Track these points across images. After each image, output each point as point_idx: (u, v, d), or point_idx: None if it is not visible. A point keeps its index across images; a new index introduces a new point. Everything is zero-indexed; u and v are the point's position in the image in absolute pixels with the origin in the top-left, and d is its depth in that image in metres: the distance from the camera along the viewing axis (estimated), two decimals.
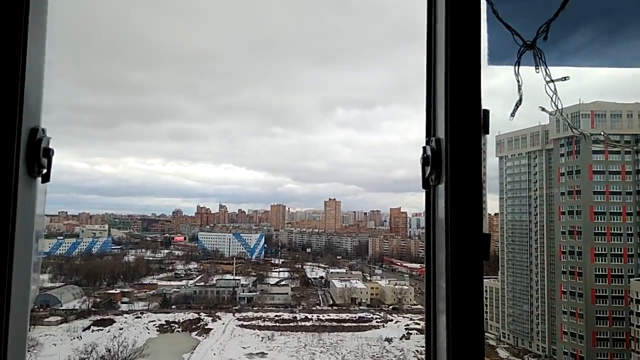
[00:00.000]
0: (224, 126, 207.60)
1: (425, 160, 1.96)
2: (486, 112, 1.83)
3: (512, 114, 2.28)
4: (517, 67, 2.12)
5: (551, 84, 2.21)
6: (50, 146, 1.90)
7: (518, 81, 2.14)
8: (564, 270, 73.36)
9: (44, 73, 1.94)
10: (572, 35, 2.38)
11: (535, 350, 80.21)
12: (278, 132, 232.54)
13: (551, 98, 2.26)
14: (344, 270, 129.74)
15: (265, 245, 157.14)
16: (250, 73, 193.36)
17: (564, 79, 2.24)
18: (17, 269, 1.72)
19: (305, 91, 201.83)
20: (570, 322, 70.18)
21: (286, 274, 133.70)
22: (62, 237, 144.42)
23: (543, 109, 2.56)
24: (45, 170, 1.88)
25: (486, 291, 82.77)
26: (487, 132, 1.83)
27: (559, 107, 2.33)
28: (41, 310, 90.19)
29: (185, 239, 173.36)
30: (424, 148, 1.98)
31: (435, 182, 1.91)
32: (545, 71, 2.17)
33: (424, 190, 2.05)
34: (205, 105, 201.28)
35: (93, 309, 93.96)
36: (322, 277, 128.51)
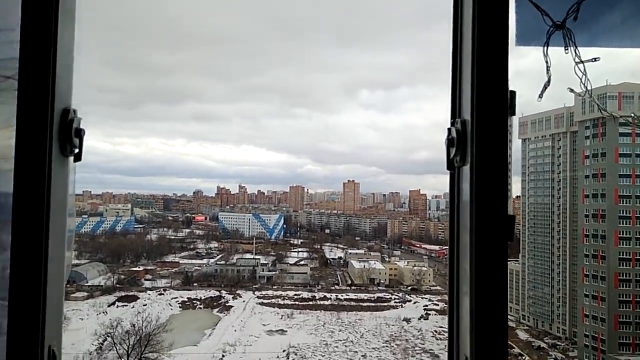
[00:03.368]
0: (246, 107, 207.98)
1: (450, 142, 1.95)
2: (513, 93, 1.80)
3: (540, 96, 2.27)
4: (545, 48, 2.09)
5: (580, 65, 2.17)
6: (80, 118, 1.97)
7: (547, 62, 2.11)
8: (587, 253, 72.34)
9: (74, 54, 1.99)
10: (603, 15, 2.33)
11: (555, 333, 79.87)
12: (300, 113, 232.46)
13: (580, 79, 2.23)
14: (362, 251, 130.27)
15: (285, 226, 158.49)
16: (274, 54, 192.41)
17: (594, 59, 2.21)
18: (52, 246, 1.78)
19: (329, 72, 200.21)
20: (592, 305, 69.48)
21: (305, 254, 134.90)
22: (86, 216, 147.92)
23: (572, 90, 2.53)
24: (77, 150, 1.94)
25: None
26: (514, 114, 1.82)
27: (589, 89, 2.31)
28: (68, 285, 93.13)
29: (205, 218, 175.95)
30: (449, 129, 1.97)
31: (460, 163, 1.91)
32: (575, 52, 2.13)
33: (449, 171, 2.04)
34: (228, 86, 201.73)
35: (117, 285, 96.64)
36: (340, 258, 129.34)
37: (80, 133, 1.93)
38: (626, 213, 69.61)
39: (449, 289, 2.05)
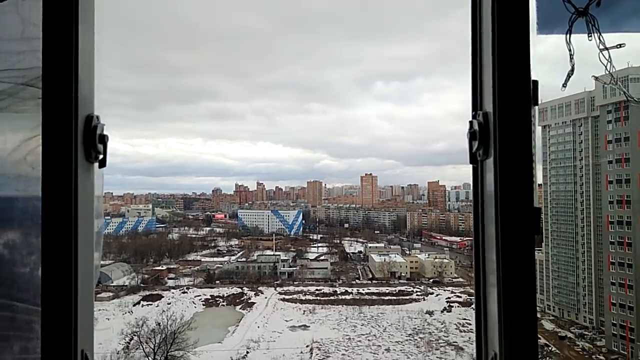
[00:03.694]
0: (262, 104, 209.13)
1: (472, 135, 1.91)
2: (535, 82, 1.77)
3: (564, 85, 2.18)
4: (568, 36, 2.02)
5: (605, 52, 2.11)
6: (103, 125, 1.99)
7: (570, 50, 2.05)
8: (612, 240, 70.85)
9: (94, 60, 2.01)
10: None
11: (582, 322, 78.56)
12: (315, 108, 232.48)
13: (605, 66, 2.14)
14: (382, 245, 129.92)
15: (304, 221, 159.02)
16: (287, 50, 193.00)
17: (619, 46, 2.14)
18: (81, 249, 1.81)
19: (343, 66, 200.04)
20: (620, 293, 68.08)
21: (325, 249, 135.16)
22: (109, 217, 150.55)
23: (597, 78, 2.44)
24: (101, 156, 1.96)
25: None
26: (537, 104, 1.79)
27: (615, 76, 2.21)
28: (94, 287, 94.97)
29: (225, 216, 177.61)
30: (471, 122, 1.93)
31: (483, 156, 1.87)
32: (599, 38, 2.06)
33: (472, 165, 1.99)
34: (243, 84, 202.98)
35: (142, 284, 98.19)
36: (360, 252, 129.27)
37: (104, 139, 1.95)
38: None
39: (475, 283, 1.99)
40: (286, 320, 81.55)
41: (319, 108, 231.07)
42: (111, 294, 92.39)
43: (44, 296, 1.73)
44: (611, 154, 73.22)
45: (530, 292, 1.71)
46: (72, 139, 1.80)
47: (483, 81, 1.91)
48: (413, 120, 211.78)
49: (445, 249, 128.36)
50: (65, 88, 1.80)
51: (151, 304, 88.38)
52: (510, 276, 1.71)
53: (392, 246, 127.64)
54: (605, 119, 74.28)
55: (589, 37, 2.05)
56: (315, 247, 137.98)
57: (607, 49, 2.10)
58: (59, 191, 1.77)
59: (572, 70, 2.12)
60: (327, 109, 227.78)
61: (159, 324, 68.33)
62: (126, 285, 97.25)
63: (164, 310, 79.00)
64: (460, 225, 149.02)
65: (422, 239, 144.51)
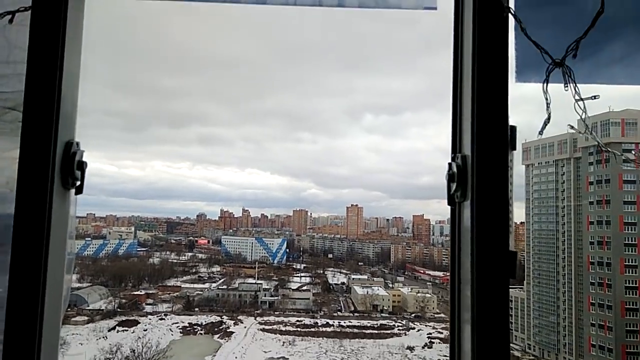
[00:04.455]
0: (251, 131, 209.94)
1: (450, 177, 1.96)
2: (513, 128, 1.83)
3: (540, 132, 2.29)
4: (545, 85, 2.10)
5: (580, 102, 2.18)
6: (82, 151, 2.01)
7: (546, 99, 2.11)
8: (593, 281, 71.49)
9: (79, 85, 2.03)
10: (602, 51, 2.35)
11: None
12: (304, 137, 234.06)
13: (581, 117, 2.26)
14: (365, 277, 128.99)
15: (287, 250, 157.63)
16: (278, 79, 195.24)
17: (594, 97, 2.22)
18: (50, 277, 1.79)
19: (333, 97, 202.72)
20: (599, 334, 68.26)
21: (308, 279, 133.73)
22: (89, 239, 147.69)
23: (572, 127, 2.57)
24: (78, 182, 1.96)
25: (511, 301, 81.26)
26: (514, 149, 1.83)
27: (589, 127, 2.33)
28: (69, 309, 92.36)
29: (208, 242, 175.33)
30: (450, 165, 1.99)
31: (460, 199, 1.92)
32: (575, 89, 2.15)
33: (449, 206, 2.05)
34: (233, 110, 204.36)
35: (118, 309, 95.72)
36: (343, 283, 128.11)
37: (82, 166, 1.95)
38: (632, 240, 69.03)
39: (450, 322, 2.03)
40: (265, 352, 79.86)
41: (308, 137, 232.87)
42: (86, 317, 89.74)
43: (8, 319, 1.70)
44: (592, 195, 74.70)
45: (504, 333, 1.71)
46: (50, 165, 1.79)
47: (462, 124, 1.96)
48: (400, 153, 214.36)
49: (428, 283, 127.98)
50: (46, 112, 1.78)
51: (127, 330, 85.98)
52: (484, 318, 1.71)
53: (375, 278, 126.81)
54: (587, 161, 76.11)
55: (565, 87, 2.13)
56: (298, 276, 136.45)
57: (582, 99, 2.18)
58: (32, 216, 1.75)
59: (549, 118, 2.18)
60: (316, 139, 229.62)
61: (133, 351, 66.47)
62: (102, 310, 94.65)
63: (139, 337, 76.92)
64: (444, 260, 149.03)
65: (406, 273, 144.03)
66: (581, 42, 2.03)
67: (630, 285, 67.52)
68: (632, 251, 68.65)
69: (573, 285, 79.72)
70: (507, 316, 1.73)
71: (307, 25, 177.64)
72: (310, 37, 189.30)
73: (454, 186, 1.93)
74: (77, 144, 1.95)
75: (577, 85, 2.12)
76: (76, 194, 1.98)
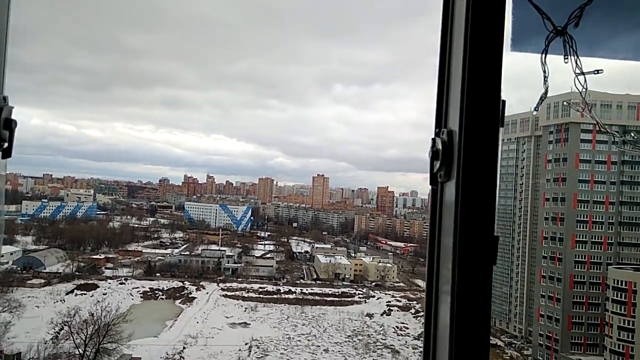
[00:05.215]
0: (219, 96, 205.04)
1: (434, 154, 1.77)
2: (503, 102, 1.68)
3: (536, 108, 2.14)
4: (543, 56, 1.93)
5: (580, 77, 2.02)
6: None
7: (544, 72, 1.94)
8: (545, 255, 74.80)
9: (7, 34, 1.75)
10: (605, 22, 2.20)
11: (511, 331, 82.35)
12: (273, 104, 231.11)
13: (580, 93, 2.06)
14: (329, 246, 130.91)
15: (252, 218, 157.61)
16: (250, 43, 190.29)
17: (597, 71, 2.04)
18: None
19: (304, 65, 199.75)
20: (548, 305, 71.95)
21: (272, 247, 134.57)
22: (46, 200, 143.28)
23: (568, 103, 2.41)
24: (6, 144, 1.69)
25: None
26: (502, 125, 1.69)
27: (589, 102, 2.18)
28: (24, 272, 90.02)
29: (171, 207, 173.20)
30: (434, 140, 1.80)
31: (444, 178, 1.75)
32: (576, 62, 1.97)
33: (431, 186, 1.87)
34: (201, 73, 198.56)
35: (77, 273, 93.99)
36: (307, 252, 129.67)
37: (10, 124, 1.68)
38: (584, 217, 72.25)
39: (426, 305, 1.88)
40: (227, 317, 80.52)
41: (277, 105, 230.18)
42: (43, 280, 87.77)
43: None
44: (550, 173, 77.32)
45: (485, 317, 1.63)
46: None
47: (450, 97, 1.81)
48: (369, 125, 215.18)
49: (389, 253, 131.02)
50: None
51: (85, 294, 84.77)
52: (465, 300, 1.62)
53: (338, 248, 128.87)
54: (547, 139, 78.38)
55: (565, 59, 1.96)
56: (262, 244, 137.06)
57: (583, 73, 2.01)
58: None
59: (546, 93, 2.04)
60: (285, 107, 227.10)
61: (92, 314, 65.63)
62: (60, 273, 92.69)
63: (98, 301, 75.95)
64: (406, 231, 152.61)
65: (368, 243, 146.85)
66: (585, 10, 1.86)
67: (580, 259, 71.06)
68: (583, 227, 71.96)
69: (527, 259, 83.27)
70: (489, 299, 1.65)
71: None
72: (283, 1, 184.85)
73: (437, 164, 1.75)
74: (5, 98, 1.71)
75: (579, 57, 1.95)
76: (3, 157, 1.72)
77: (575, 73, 2.00)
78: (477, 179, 1.64)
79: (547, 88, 1.99)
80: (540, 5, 1.90)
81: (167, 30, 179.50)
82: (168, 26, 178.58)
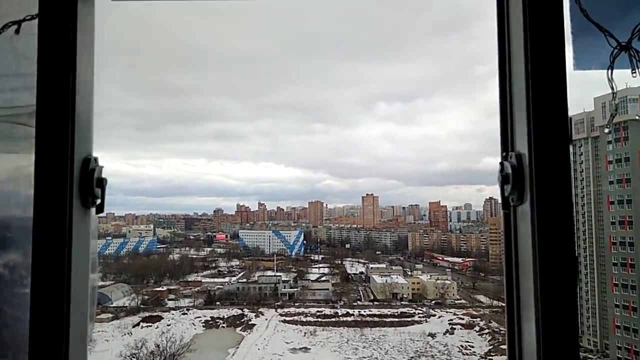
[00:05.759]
0: (264, 125, 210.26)
1: (504, 178, 1.76)
2: (570, 120, 1.67)
3: (608, 125, 2.16)
4: (610, 72, 1.92)
5: None
6: (98, 152, 1.86)
7: (612, 88, 1.93)
8: (615, 262, 70.46)
9: (94, 98, 1.86)
10: None
11: (586, 345, 77.46)
12: (318, 128, 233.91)
13: None
14: (384, 266, 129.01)
15: (305, 242, 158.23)
16: (291, 71, 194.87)
17: None
18: (74, 300, 1.68)
19: (345, 87, 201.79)
20: (624, 315, 67.41)
21: (326, 270, 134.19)
22: (110, 238, 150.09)
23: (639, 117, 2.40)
24: (99, 201, 1.81)
25: None
26: (571, 142, 1.68)
27: None
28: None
29: (226, 236, 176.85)
30: (502, 164, 1.80)
31: (517, 202, 1.73)
32: None
33: (504, 210, 1.86)
34: (246, 105, 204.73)
35: (142, 306, 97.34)
36: (362, 273, 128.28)
37: (102, 183, 1.80)
38: None
39: (508, 322, 1.86)
40: (287, 342, 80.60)
41: (321, 129, 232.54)
42: (110, 315, 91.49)
43: (32, 348, 1.58)
44: (612, 174, 73.39)
45: (574, 349, 1.58)
46: (67, 184, 1.65)
47: (514, 120, 1.78)
48: (414, 141, 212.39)
49: (447, 270, 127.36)
50: (60, 127, 1.63)
51: (151, 326, 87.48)
52: (552, 322, 1.57)
53: (393, 267, 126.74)
54: (605, 139, 74.69)
55: (633, 73, 1.95)
56: (316, 267, 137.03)
57: None
58: (52, 240, 1.61)
59: (616, 109, 2.07)
60: (329, 130, 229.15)
61: (158, 345, 67.59)
62: (126, 307, 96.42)
63: (163, 332, 78.19)
64: (462, 246, 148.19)
65: (424, 260, 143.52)
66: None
67: None
68: None
69: (595, 267, 78.74)
70: (577, 325, 1.61)
71: (315, 16, 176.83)
72: (319, 27, 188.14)
73: (508, 188, 1.74)
74: (96, 159, 1.80)
75: None
76: (97, 213, 1.84)
77: None
78: (552, 200, 1.59)
79: (617, 104, 2.02)
80: (601, 23, 1.89)
81: (211, 68, 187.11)
82: (210, 64, 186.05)
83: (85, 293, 1.81)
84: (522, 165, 1.68)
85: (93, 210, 1.81)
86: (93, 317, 2.09)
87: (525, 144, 1.65)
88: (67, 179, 1.64)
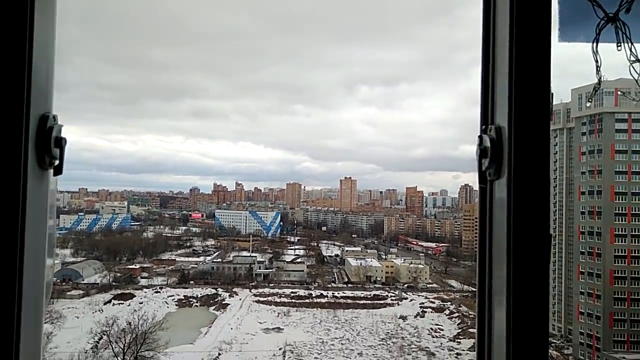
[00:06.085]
0: (245, 104, 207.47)
1: (482, 152, 1.71)
2: (552, 95, 1.62)
3: (590, 99, 1.98)
4: (595, 45, 1.82)
5: (636, 65, 1.92)
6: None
7: (597, 61, 1.85)
8: (583, 250, 72.48)
9: (54, 52, 1.73)
10: None
11: (551, 330, 79.98)
12: (299, 109, 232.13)
13: (636, 81, 1.94)
14: (359, 249, 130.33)
15: (281, 223, 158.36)
16: (273, 51, 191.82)
17: None
18: (27, 265, 1.57)
19: (328, 69, 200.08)
20: (588, 302, 69.64)
21: (302, 252, 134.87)
22: (82, 213, 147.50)
23: (623, 93, 2.26)
24: (57, 162, 1.70)
25: None
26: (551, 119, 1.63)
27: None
28: (64, 284, 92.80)
29: (202, 216, 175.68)
30: (481, 137, 1.74)
31: (494, 176, 1.70)
32: (630, 49, 1.85)
33: (480, 185, 1.79)
34: (227, 83, 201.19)
35: (113, 283, 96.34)
36: (337, 255, 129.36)
37: (61, 142, 1.68)
38: (622, 210, 69.75)
39: (479, 306, 1.80)
40: (260, 322, 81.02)
41: (303, 110, 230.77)
42: (81, 291, 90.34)
43: None
44: (584, 165, 75.01)
45: (544, 318, 1.57)
46: (22, 142, 1.55)
47: (496, 92, 1.74)
48: (395, 126, 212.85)
49: (420, 254, 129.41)
50: (14, 81, 1.55)
51: (122, 303, 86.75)
52: (522, 303, 1.56)
53: (368, 250, 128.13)
54: (580, 131, 76.10)
55: (618, 46, 1.85)
56: (292, 249, 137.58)
57: (638, 60, 1.89)
58: (5, 203, 1.52)
59: (599, 83, 1.94)
60: (310, 112, 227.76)
61: (129, 323, 67.09)
62: (97, 284, 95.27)
63: (135, 310, 77.65)
64: (437, 231, 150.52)
65: (399, 244, 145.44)
66: None
67: (620, 254, 68.54)
68: (622, 220, 69.44)
69: (564, 255, 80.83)
70: (547, 301, 1.58)
71: None
72: (304, 7, 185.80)
73: (486, 162, 1.71)
74: (55, 117, 1.69)
75: (633, 44, 1.83)
76: (55, 174, 1.72)
77: (629, 61, 1.89)
78: (530, 175, 1.58)
79: (600, 78, 1.91)
80: None
81: (192, 43, 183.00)
82: (192, 39, 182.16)
83: (41, 258, 1.72)
84: (501, 139, 1.65)
85: (51, 171, 1.73)
86: (52, 269, 1.87)
87: (505, 117, 1.64)
88: (22, 136, 1.55)
